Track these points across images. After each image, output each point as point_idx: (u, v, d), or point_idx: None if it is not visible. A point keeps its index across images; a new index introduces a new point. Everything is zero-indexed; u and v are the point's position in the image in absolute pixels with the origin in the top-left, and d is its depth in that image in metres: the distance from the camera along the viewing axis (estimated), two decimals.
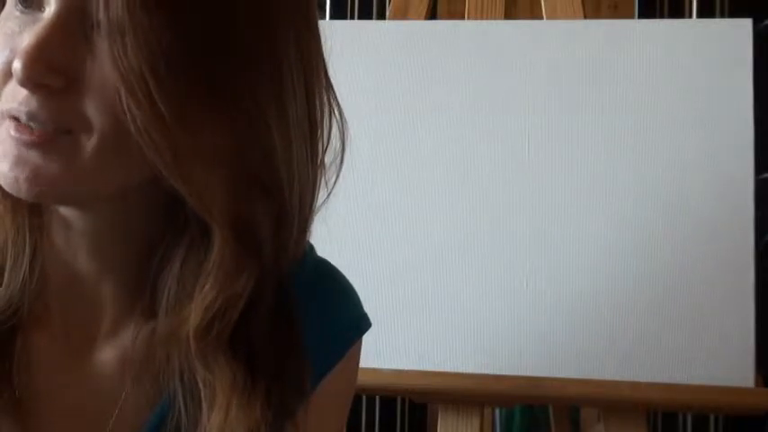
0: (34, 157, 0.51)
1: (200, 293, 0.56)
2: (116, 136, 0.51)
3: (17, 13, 0.53)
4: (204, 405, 0.57)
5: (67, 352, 0.61)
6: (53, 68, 0.50)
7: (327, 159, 0.62)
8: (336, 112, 0.62)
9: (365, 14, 2.03)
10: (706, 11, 1.94)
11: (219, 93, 0.52)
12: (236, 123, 0.53)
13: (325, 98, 0.61)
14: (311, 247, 0.69)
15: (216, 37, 0.52)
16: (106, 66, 0.50)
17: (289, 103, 0.55)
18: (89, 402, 0.61)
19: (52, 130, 0.51)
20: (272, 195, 0.56)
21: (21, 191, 0.52)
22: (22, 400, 0.59)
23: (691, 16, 1.96)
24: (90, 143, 0.51)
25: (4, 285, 0.58)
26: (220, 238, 0.55)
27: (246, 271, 0.56)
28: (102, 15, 0.49)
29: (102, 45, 0.50)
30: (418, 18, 1.29)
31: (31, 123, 0.51)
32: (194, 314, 0.56)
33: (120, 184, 0.55)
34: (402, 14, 1.30)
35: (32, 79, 0.50)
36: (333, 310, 0.68)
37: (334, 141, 0.62)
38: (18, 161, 0.51)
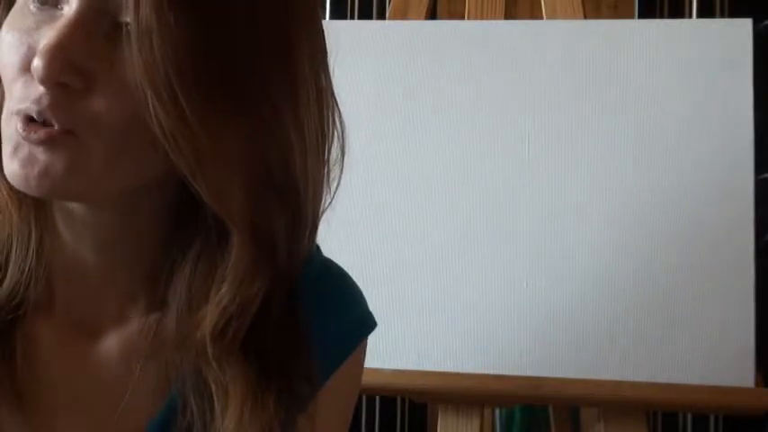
0: (43, 155, 0.52)
1: (216, 296, 0.56)
2: (126, 139, 0.52)
3: (33, 9, 0.53)
4: (217, 406, 0.57)
5: (72, 342, 0.62)
6: (73, 68, 0.50)
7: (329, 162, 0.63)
8: (337, 117, 0.62)
9: (365, 14, 2.02)
10: (706, 11, 1.94)
11: (240, 97, 0.53)
12: (255, 127, 0.54)
13: (331, 102, 0.61)
14: (317, 248, 0.69)
15: (238, 42, 0.52)
16: (128, 68, 0.50)
17: (303, 107, 0.56)
18: (93, 393, 0.61)
19: (59, 129, 0.51)
20: (289, 199, 0.56)
21: (30, 188, 0.52)
22: (26, 389, 0.59)
23: (691, 16, 1.96)
24: (99, 145, 0.52)
25: (9, 275, 0.59)
26: (239, 241, 0.55)
27: (262, 273, 0.56)
28: (131, 17, 0.50)
29: (127, 47, 0.50)
30: (418, 18, 1.29)
31: (44, 120, 0.51)
32: (210, 316, 0.56)
33: (127, 185, 0.55)
34: (402, 14, 1.30)
35: (52, 78, 0.50)
36: (339, 310, 0.68)
37: (335, 144, 0.63)
38: (28, 160, 0.52)
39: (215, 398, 0.57)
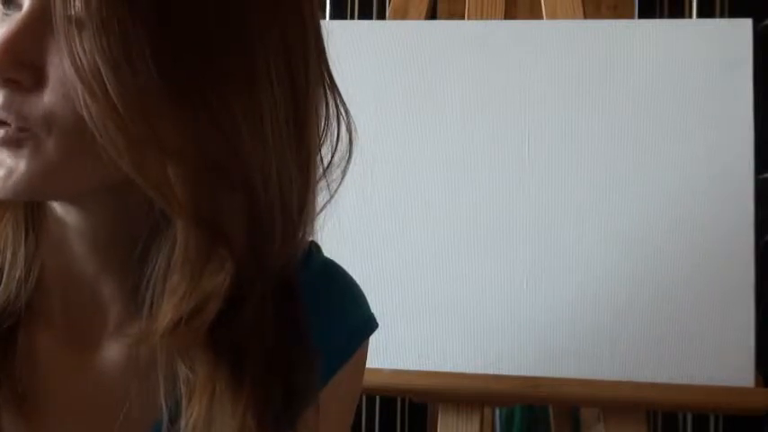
0: (7, 158, 0.51)
1: (171, 290, 0.55)
2: (78, 133, 0.51)
3: (1, 15, 0.53)
4: (184, 403, 0.57)
5: (72, 350, 0.61)
6: (22, 64, 0.50)
7: (325, 159, 0.62)
8: (343, 112, 0.61)
9: (365, 14, 2.03)
10: (706, 11, 1.94)
11: (180, 86, 0.51)
12: (196, 116, 0.52)
13: (329, 100, 0.60)
14: (318, 248, 0.68)
15: (177, 31, 0.51)
16: (65, 60, 0.50)
17: (264, 99, 0.54)
18: (92, 401, 0.60)
19: (15, 127, 0.51)
20: (242, 191, 0.54)
21: None
22: (27, 397, 0.59)
23: (691, 16, 1.96)
24: (51, 141, 0.51)
25: (3, 284, 0.58)
26: (182, 230, 0.54)
27: (219, 267, 0.54)
28: (59, 8, 0.49)
29: (62, 39, 0.50)
30: (418, 18, 1.29)
31: (1, 120, 0.51)
32: (165, 311, 0.55)
33: (97, 182, 0.54)
34: (402, 14, 1.30)
35: (1, 74, 0.50)
36: (340, 311, 0.68)
37: (341, 142, 0.62)
38: None
39: (183, 394, 0.57)
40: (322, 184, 0.62)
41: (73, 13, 0.49)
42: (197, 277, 0.54)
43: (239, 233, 0.55)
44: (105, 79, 0.49)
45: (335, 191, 0.62)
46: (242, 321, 0.57)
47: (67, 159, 0.52)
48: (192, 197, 0.53)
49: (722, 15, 1.94)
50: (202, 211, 0.53)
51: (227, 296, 0.55)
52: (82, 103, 0.49)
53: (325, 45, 0.60)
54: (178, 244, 0.55)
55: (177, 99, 0.51)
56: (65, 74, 0.50)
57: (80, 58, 0.49)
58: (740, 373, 1.10)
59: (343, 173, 0.63)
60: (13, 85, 0.51)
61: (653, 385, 1.12)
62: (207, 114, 0.52)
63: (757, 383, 1.11)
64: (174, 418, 0.57)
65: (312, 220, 0.61)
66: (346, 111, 0.62)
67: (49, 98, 0.51)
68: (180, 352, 0.56)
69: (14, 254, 0.59)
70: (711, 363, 1.11)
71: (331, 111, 0.61)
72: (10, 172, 0.52)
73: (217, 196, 0.54)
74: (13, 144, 0.51)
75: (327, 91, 0.60)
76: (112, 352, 0.61)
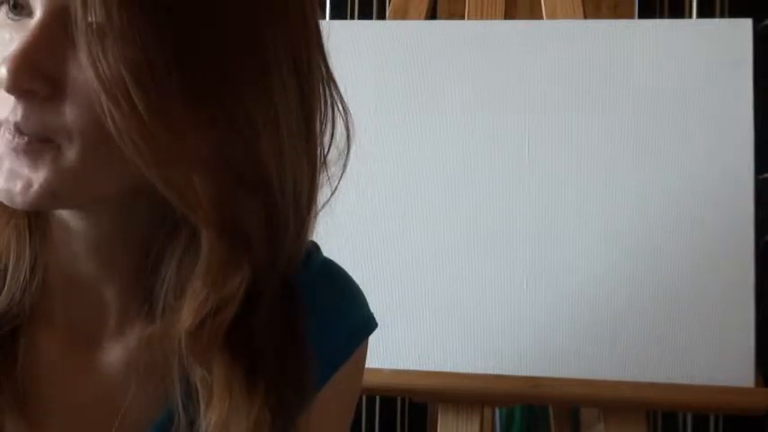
0: (24, 168, 0.51)
1: (192, 294, 0.55)
2: (99, 142, 0.51)
3: (9, 22, 0.52)
4: (202, 405, 0.57)
5: (72, 353, 0.61)
6: (39, 74, 0.50)
7: (329, 157, 0.62)
8: (340, 107, 0.62)
9: (365, 14, 2.03)
10: (706, 11, 1.94)
11: (200, 92, 0.51)
12: (218, 123, 0.52)
13: (327, 96, 0.61)
14: (317, 248, 0.69)
15: (196, 37, 0.51)
16: (87, 70, 0.49)
17: (279, 102, 0.55)
18: (94, 403, 0.60)
19: (35, 138, 0.51)
20: (262, 195, 0.55)
21: (15, 202, 0.52)
22: (27, 399, 0.59)
23: (691, 16, 1.96)
24: (72, 150, 0.51)
25: (6, 286, 0.58)
26: (207, 239, 0.54)
27: (238, 271, 0.55)
28: (80, 18, 0.49)
29: (83, 48, 0.49)
30: (418, 18, 1.29)
31: (20, 131, 0.51)
32: (186, 315, 0.55)
33: (113, 189, 0.54)
34: (402, 14, 1.30)
35: (18, 86, 0.49)
36: (339, 311, 0.68)
37: (338, 139, 0.62)
38: (11, 175, 0.52)
39: (200, 397, 0.57)
40: (322, 181, 0.62)
41: (93, 19, 0.48)
42: (220, 282, 0.55)
43: (259, 238, 0.56)
44: (129, 88, 0.49)
45: (336, 187, 0.63)
46: (256, 322, 0.57)
47: (88, 168, 0.52)
48: (216, 204, 0.53)
49: (722, 15, 1.94)
50: (227, 218, 0.54)
51: (242, 298, 0.55)
52: (106, 112, 0.49)
53: (325, 45, 0.61)
54: (203, 251, 0.55)
55: (197, 105, 0.51)
56: (86, 83, 0.50)
57: (104, 68, 0.48)
58: (740, 373, 1.10)
59: (343, 169, 0.63)
60: (30, 95, 0.50)
61: (653, 385, 1.12)
62: (227, 120, 0.52)
63: (757, 383, 1.11)
64: (192, 420, 0.57)
65: (315, 219, 0.61)
66: (344, 107, 0.62)
67: (70, 108, 0.50)
68: (197, 354, 0.56)
69: (18, 257, 0.59)
70: (711, 363, 1.11)
71: (329, 107, 0.61)
72: (29, 183, 0.51)
73: (239, 202, 0.54)
74: (32, 154, 0.51)
75: (326, 87, 0.61)
76: (114, 353, 0.61)
